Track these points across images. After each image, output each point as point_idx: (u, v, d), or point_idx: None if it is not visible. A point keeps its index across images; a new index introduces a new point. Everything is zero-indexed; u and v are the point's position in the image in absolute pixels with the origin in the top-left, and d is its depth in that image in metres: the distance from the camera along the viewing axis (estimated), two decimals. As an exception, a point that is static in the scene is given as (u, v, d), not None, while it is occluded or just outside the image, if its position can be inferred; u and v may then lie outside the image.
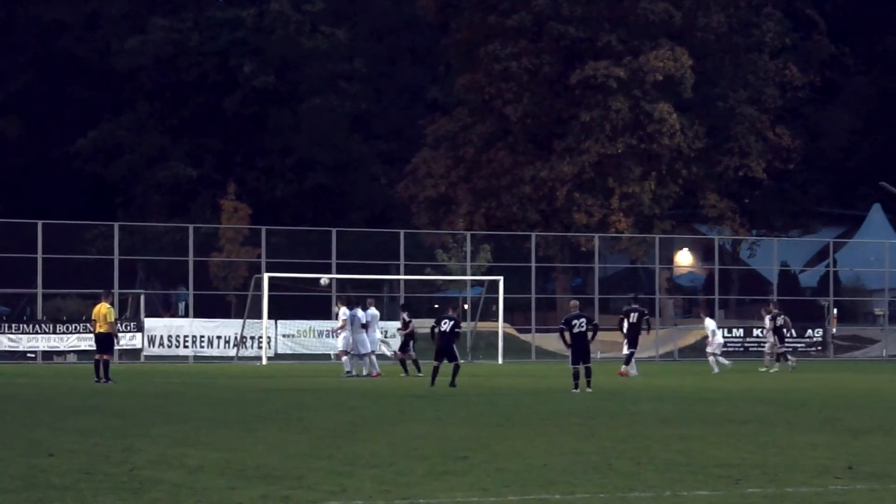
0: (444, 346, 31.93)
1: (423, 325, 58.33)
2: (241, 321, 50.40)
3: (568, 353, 30.21)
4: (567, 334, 29.66)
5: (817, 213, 78.03)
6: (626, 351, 38.58)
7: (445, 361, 31.75)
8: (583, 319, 30.06)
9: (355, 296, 45.15)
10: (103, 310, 34.11)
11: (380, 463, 14.98)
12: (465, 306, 58.28)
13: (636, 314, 38.20)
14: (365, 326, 37.49)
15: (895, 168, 75.10)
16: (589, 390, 29.20)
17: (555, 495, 12.78)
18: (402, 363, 38.48)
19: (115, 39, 73.35)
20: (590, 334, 29.70)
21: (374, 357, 37.95)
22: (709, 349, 43.58)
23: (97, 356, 34.04)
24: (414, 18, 76.82)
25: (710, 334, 43.63)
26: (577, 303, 31.54)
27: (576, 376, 29.54)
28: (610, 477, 13.78)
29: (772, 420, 21.93)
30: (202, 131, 73.35)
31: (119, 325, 50.60)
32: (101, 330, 33.97)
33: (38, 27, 79.02)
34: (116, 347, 49.83)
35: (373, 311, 38.35)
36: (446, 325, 32.05)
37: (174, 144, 73.04)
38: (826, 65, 73.29)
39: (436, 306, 68.92)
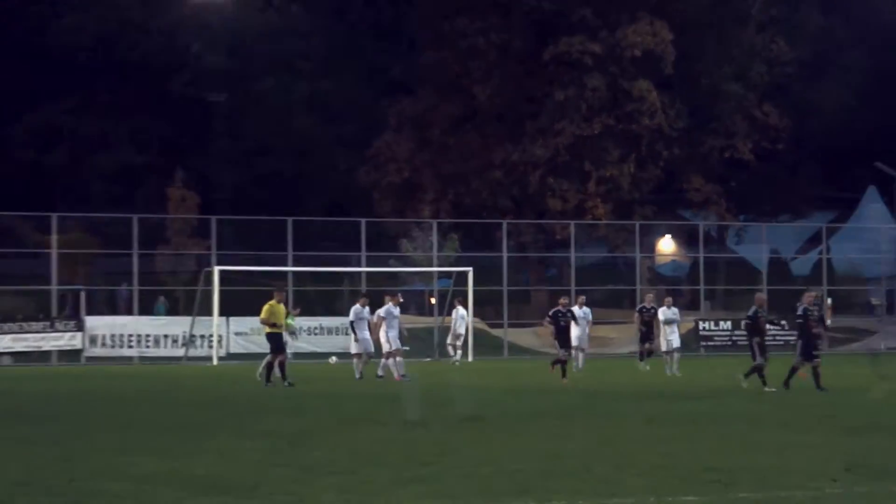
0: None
1: (416, 321, 58.54)
2: (189, 318, 50.22)
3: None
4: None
5: (808, 196, 78.23)
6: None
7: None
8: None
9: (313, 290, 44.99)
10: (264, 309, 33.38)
11: (341, 470, 14.92)
12: (432, 300, 58.26)
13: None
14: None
15: (891, 148, 75.37)
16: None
17: (529, 502, 12.73)
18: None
19: (53, 16, 72.94)
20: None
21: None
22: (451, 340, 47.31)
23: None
24: (375, -8, 76.75)
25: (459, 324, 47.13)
26: (764, 296, 33.10)
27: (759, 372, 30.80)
28: (589, 482, 13.74)
29: (762, 418, 21.97)
30: (147, 114, 73.06)
31: (60, 322, 50.52)
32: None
33: (-32, 3, 78.61)
34: (53, 347, 49.82)
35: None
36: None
37: (117, 129, 72.74)
38: (816, 38, 73.49)
39: (401, 300, 68.84)
